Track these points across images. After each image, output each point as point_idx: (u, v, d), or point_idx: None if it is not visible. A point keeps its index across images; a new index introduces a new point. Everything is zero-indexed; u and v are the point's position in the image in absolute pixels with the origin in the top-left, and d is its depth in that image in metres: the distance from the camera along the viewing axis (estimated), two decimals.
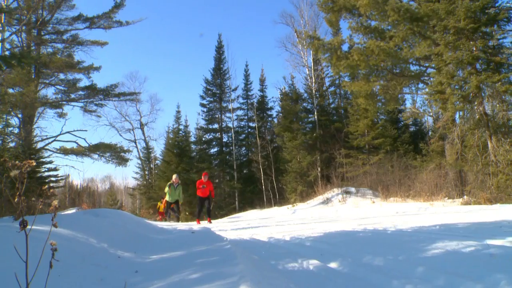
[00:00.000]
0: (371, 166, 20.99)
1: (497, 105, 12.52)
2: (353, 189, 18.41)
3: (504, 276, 2.19)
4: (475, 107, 12.88)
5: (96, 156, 25.93)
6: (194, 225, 11.24)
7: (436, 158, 17.40)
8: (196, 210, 15.68)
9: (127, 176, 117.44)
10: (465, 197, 12.67)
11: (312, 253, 3.99)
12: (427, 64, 16.98)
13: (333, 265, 3.41)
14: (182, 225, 11.88)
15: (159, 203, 24.05)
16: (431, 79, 15.98)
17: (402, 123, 26.24)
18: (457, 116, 14.34)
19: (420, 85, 19.50)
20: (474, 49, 12.45)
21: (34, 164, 1.62)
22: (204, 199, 14.16)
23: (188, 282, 2.55)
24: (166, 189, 14.85)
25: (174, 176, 15.02)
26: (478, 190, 12.13)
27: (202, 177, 14.20)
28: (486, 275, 2.29)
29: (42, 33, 22.77)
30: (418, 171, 17.09)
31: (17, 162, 1.59)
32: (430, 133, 26.52)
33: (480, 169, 12.46)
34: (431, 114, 21.28)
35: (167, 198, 15.01)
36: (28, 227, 1.60)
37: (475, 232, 4.52)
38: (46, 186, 1.70)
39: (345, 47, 18.82)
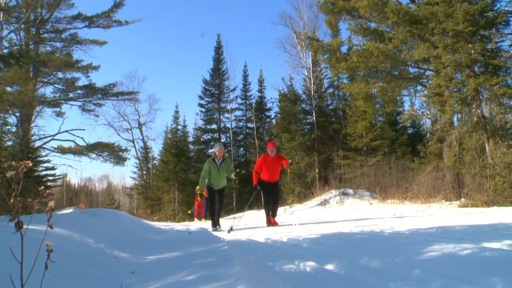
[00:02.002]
0: (369, 168, 21.00)
1: (495, 108, 12.55)
2: (350, 191, 18.40)
3: (500, 279, 2.20)
4: (473, 110, 12.90)
5: (94, 155, 25.98)
6: (191, 226, 11.22)
7: (434, 160, 17.42)
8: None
9: (124, 175, 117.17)
10: (462, 199, 12.68)
11: (309, 255, 3.99)
12: (425, 67, 17.02)
13: (330, 267, 3.42)
14: (179, 226, 11.84)
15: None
16: (430, 81, 16.03)
17: (400, 125, 26.32)
18: (455, 118, 14.38)
19: (419, 88, 19.58)
20: (473, 52, 12.47)
21: (31, 164, 1.61)
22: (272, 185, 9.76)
23: (184, 283, 2.55)
24: (205, 172, 9.19)
25: (217, 148, 9.28)
26: (475, 192, 12.15)
27: (268, 150, 9.63)
28: (482, 278, 2.29)
29: (41, 32, 22.78)
30: (416, 173, 17.11)
31: (13, 162, 1.58)
32: (428, 135, 26.56)
33: (477, 172, 12.48)
34: (429, 116, 21.35)
35: (204, 185, 9.38)
36: (24, 227, 1.59)
37: (472, 234, 4.53)
38: (43, 187, 1.69)
39: (344, 49, 18.86)
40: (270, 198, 9.66)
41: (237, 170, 9.47)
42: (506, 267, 2.57)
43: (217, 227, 9.22)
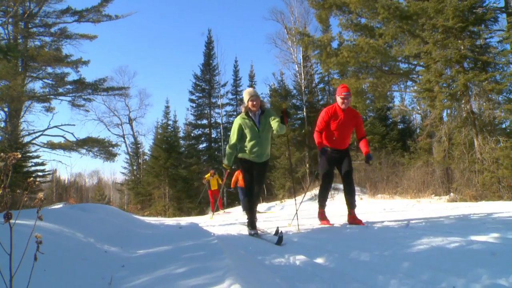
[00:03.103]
0: (359, 163, 21.09)
1: (484, 104, 12.66)
2: (341, 186, 18.46)
3: (486, 270, 2.24)
4: (462, 105, 13.00)
5: (84, 150, 25.84)
6: (181, 221, 11.21)
7: (423, 155, 17.53)
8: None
9: (115, 171, 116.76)
10: (451, 194, 12.80)
11: (299, 249, 4.01)
12: (415, 62, 17.12)
13: (319, 260, 3.44)
14: (170, 221, 11.84)
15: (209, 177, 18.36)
16: (420, 77, 16.13)
17: (391, 120, 26.45)
18: (444, 114, 14.49)
19: (409, 83, 19.71)
20: (462, 48, 12.57)
21: (19, 156, 1.61)
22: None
23: (174, 276, 2.56)
24: (234, 137, 5.83)
25: (248, 95, 5.79)
26: (464, 187, 12.27)
27: (339, 98, 6.57)
28: (469, 270, 2.32)
29: (30, 26, 22.57)
30: (405, 168, 17.23)
31: (2, 154, 1.57)
32: (418, 130, 26.72)
33: (466, 167, 12.60)
34: (419, 111, 21.45)
35: (231, 159, 6.10)
36: (12, 221, 1.59)
37: (460, 228, 4.57)
38: (31, 179, 1.69)
39: (334, 44, 18.91)
40: (331, 176, 6.66)
41: (283, 106, 5.89)
42: (491, 259, 2.61)
43: (257, 231, 5.85)
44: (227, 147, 5.98)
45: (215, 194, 17.91)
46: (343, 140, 6.48)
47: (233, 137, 5.78)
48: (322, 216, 6.56)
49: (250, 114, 5.73)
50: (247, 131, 5.72)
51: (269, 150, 5.99)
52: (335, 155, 6.42)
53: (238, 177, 14.54)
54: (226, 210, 19.39)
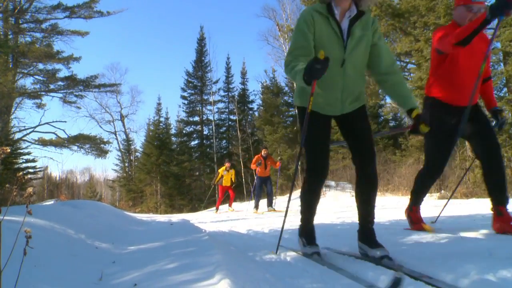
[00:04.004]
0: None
1: None
2: (332, 183, 18.55)
3: (474, 266, 2.26)
4: None
5: (75, 147, 25.82)
6: (173, 217, 11.21)
7: (415, 153, 17.62)
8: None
9: (106, 168, 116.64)
10: (442, 191, 12.87)
11: (290, 245, 4.02)
12: (407, 60, 17.16)
13: (310, 256, 3.45)
14: (161, 217, 11.84)
15: (222, 171, 16.04)
16: (412, 74, 16.17)
17: (383, 118, 26.52)
18: None
19: None
20: None
21: (9, 151, 1.59)
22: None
23: (164, 272, 2.56)
24: (297, 47, 2.84)
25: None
26: (455, 185, 12.34)
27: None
28: (458, 266, 2.35)
29: (20, 22, 22.40)
30: (397, 166, 17.31)
31: None
32: None
33: (457, 164, 12.67)
34: None
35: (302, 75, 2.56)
36: (0, 216, 1.58)
37: (450, 225, 4.61)
38: (21, 173, 1.68)
39: None
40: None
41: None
42: (480, 255, 2.64)
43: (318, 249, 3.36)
44: (285, 67, 2.92)
45: (227, 190, 15.94)
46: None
47: (299, 48, 2.85)
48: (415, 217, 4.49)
49: (335, 10, 2.81)
50: (321, 42, 2.84)
51: (363, 92, 3.19)
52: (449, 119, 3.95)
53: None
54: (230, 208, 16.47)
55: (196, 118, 35.30)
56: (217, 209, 15.66)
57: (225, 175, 15.62)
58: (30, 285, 2.15)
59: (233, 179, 15.97)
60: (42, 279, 2.39)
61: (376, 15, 15.07)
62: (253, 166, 13.09)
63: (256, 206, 12.78)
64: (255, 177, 13.21)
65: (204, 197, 31.60)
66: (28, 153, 18.35)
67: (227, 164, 15.92)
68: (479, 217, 5.38)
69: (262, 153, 13.11)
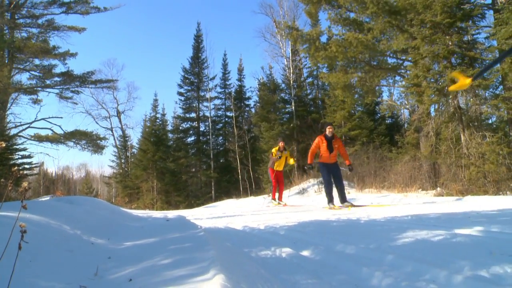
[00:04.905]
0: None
1: (471, 99, 12.75)
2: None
3: (468, 262, 2.28)
4: (450, 101, 13.09)
5: (71, 143, 25.72)
6: (169, 213, 11.19)
7: (411, 150, 17.63)
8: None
9: (103, 164, 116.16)
10: (438, 188, 12.91)
11: (285, 242, 4.03)
12: (404, 57, 17.17)
13: (305, 253, 3.46)
14: (157, 213, 11.83)
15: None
16: (408, 72, 16.18)
17: (379, 115, 26.55)
18: (432, 109, 14.59)
19: (397, 78, 19.82)
20: (450, 43, 12.64)
21: (4, 145, 1.59)
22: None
23: (160, 267, 2.57)
24: None
25: None
26: (450, 182, 12.38)
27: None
28: (451, 262, 2.36)
29: (16, 17, 22.26)
30: (393, 163, 17.31)
31: None
32: (406, 125, 26.85)
33: (453, 162, 12.70)
34: (407, 106, 21.54)
35: None
36: None
37: (444, 222, 4.63)
38: (16, 168, 1.68)
39: (323, 39, 18.84)
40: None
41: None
42: (473, 252, 2.65)
43: None
44: None
45: (279, 177, 13.43)
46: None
47: None
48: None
49: None
50: None
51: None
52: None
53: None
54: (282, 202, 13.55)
55: (193, 115, 35.23)
56: (274, 199, 13.28)
57: (279, 157, 13.02)
58: (25, 280, 2.15)
59: (289, 160, 13.40)
60: (37, 274, 2.40)
61: (373, 12, 15.07)
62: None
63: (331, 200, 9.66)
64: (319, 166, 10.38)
65: (201, 193, 31.65)
66: (24, 149, 18.32)
67: (280, 144, 13.27)
68: (473, 214, 5.40)
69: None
